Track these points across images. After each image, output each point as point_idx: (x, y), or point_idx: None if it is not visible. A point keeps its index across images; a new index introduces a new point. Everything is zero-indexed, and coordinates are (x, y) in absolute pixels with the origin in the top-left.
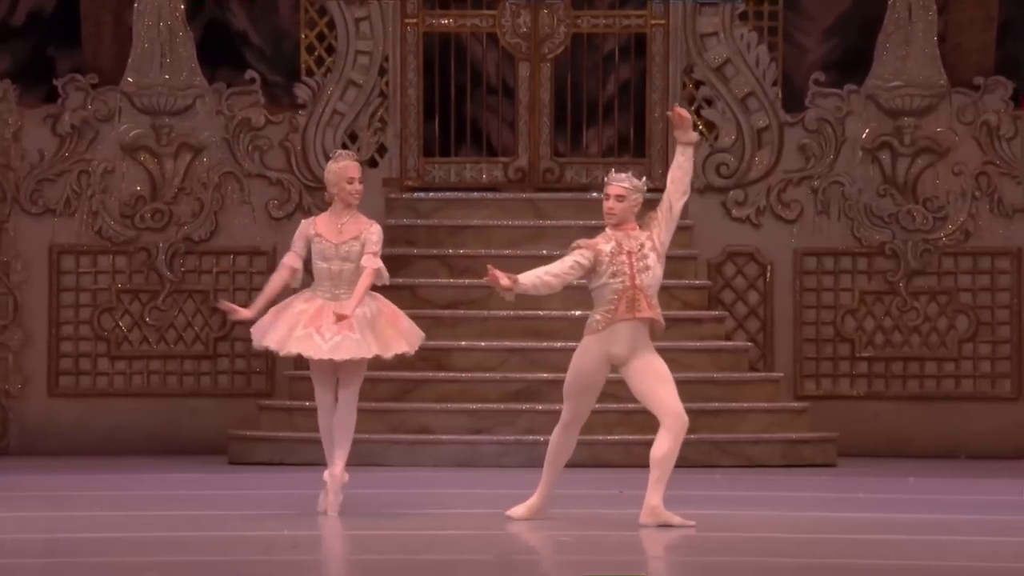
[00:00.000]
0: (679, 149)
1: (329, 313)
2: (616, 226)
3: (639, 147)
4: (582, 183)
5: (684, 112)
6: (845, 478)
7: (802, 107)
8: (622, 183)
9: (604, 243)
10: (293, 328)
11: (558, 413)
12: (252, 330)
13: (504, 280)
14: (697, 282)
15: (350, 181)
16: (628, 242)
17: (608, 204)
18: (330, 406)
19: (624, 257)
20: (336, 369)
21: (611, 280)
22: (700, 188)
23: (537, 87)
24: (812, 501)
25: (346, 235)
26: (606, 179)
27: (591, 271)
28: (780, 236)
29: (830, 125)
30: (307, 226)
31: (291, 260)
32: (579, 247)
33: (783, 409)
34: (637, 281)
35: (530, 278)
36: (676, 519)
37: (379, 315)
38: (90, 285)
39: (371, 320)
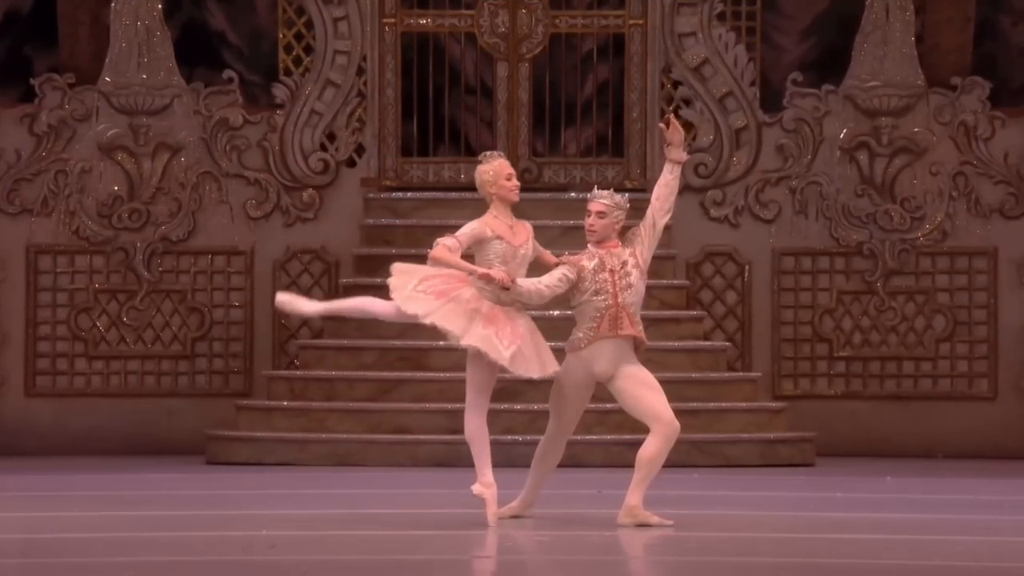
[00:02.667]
0: (667, 166)
1: (500, 317)
2: (598, 243)
3: (617, 147)
4: (560, 183)
5: (677, 124)
6: (823, 478)
7: (780, 107)
8: (603, 200)
9: (587, 260)
10: (472, 321)
11: (537, 413)
12: (411, 303)
13: (502, 276)
14: (675, 282)
15: (508, 177)
16: (610, 259)
17: (589, 221)
18: (485, 411)
19: (606, 275)
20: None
21: (594, 298)
22: (679, 188)
23: (515, 87)
24: (790, 501)
25: (520, 237)
26: (589, 196)
27: (574, 287)
28: (758, 236)
29: (808, 125)
30: (483, 228)
31: (451, 242)
32: (564, 262)
33: (761, 409)
34: (620, 299)
35: (527, 283)
36: (654, 519)
37: (536, 332)
38: (67, 285)
39: (532, 334)
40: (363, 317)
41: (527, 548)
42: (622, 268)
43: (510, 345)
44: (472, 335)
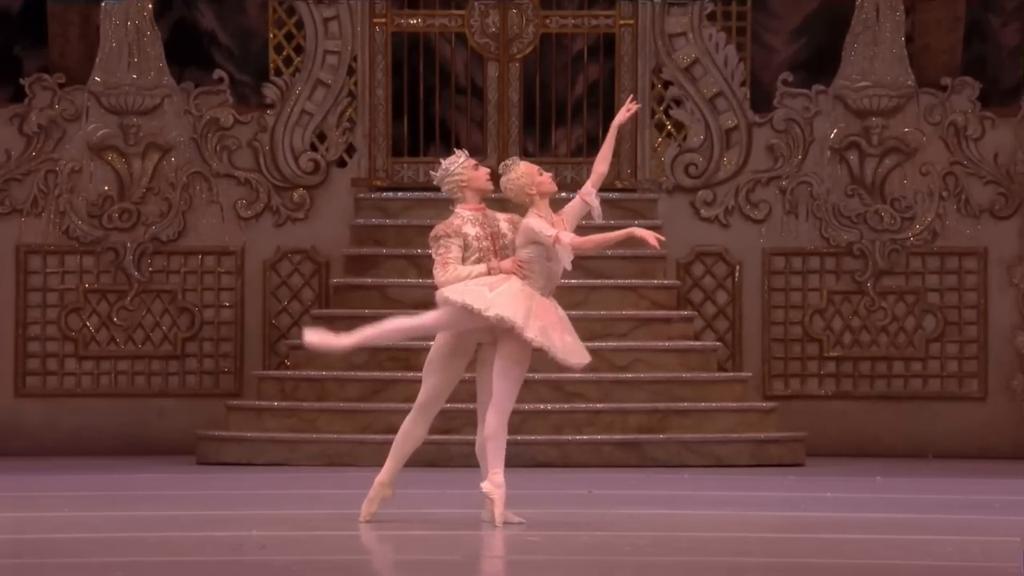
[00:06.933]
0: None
1: (546, 307)
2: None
3: None
4: None
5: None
6: (813, 477)
7: (770, 107)
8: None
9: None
10: (531, 314)
11: (527, 412)
12: (466, 294)
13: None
14: (666, 282)
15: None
16: (490, 224)
17: (492, 185)
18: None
19: (488, 242)
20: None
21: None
22: (669, 188)
23: (506, 87)
24: (780, 501)
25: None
26: (471, 163)
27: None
28: (749, 236)
29: (798, 125)
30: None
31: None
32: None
33: (751, 409)
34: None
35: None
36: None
37: (566, 318)
38: (57, 285)
39: (565, 321)
40: (403, 339)
41: (517, 549)
42: (499, 230)
43: (562, 335)
44: (532, 328)
